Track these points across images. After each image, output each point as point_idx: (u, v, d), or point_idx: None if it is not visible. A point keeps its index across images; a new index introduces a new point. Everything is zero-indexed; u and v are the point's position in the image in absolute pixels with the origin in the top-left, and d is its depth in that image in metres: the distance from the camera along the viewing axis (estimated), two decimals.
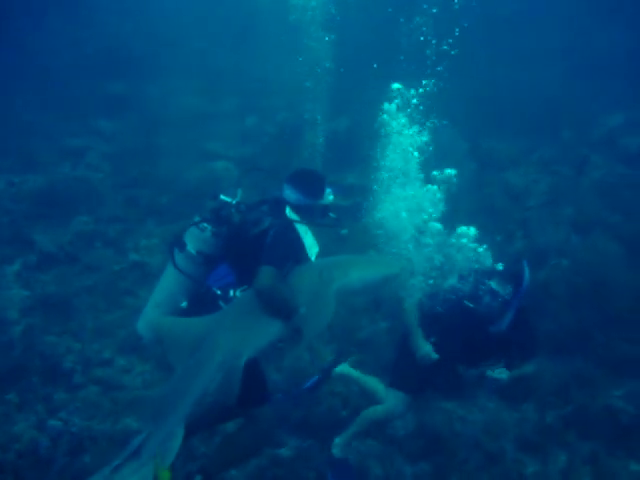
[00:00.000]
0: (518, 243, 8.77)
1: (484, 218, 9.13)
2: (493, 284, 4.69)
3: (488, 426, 6.54)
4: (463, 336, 4.86)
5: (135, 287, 7.96)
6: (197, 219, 4.34)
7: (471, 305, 4.70)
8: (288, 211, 4.38)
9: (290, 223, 4.26)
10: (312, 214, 4.53)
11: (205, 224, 4.29)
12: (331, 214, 4.71)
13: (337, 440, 5.28)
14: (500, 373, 4.76)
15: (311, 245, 4.33)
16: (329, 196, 4.63)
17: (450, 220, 9.02)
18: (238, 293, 4.14)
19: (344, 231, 7.69)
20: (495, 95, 11.51)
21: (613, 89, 11.83)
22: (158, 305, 4.24)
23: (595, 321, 7.27)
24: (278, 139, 10.38)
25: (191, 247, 4.24)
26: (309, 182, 4.55)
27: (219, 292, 4.17)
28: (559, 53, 12.94)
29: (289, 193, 4.49)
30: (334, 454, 5.25)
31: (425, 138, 5.83)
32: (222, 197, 4.41)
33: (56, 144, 10.50)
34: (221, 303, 4.14)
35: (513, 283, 4.76)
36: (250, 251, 4.09)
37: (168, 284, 4.29)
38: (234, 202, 4.38)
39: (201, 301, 4.20)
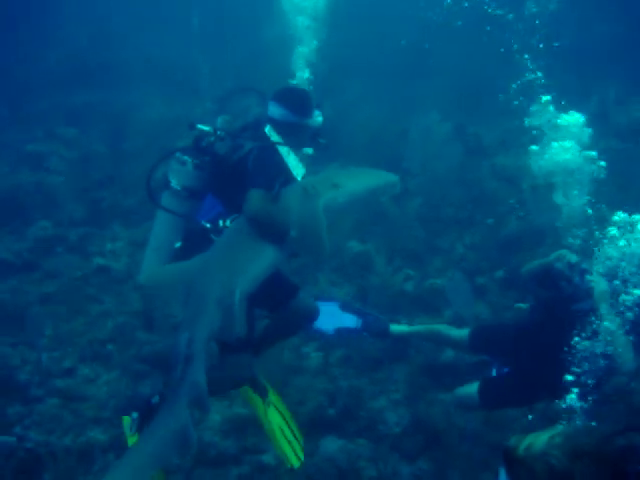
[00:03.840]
0: (512, 224, 8.23)
1: (473, 203, 8.67)
2: (585, 264, 4.33)
3: (490, 417, 5.95)
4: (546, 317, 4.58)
5: (100, 293, 7.35)
6: (177, 154, 4.06)
7: (562, 284, 4.37)
8: (267, 130, 4.02)
9: (270, 144, 3.93)
10: (298, 135, 4.09)
11: (185, 157, 4.01)
12: (321, 140, 4.24)
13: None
14: None
15: (295, 166, 3.94)
16: (318, 117, 4.17)
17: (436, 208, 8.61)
18: (228, 223, 3.86)
19: None
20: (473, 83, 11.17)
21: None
22: (155, 249, 4.07)
23: None
24: None
25: (175, 183, 4.00)
26: (296, 98, 4.13)
27: (208, 225, 3.89)
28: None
29: (273, 109, 4.07)
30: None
31: None
32: (199, 126, 4.03)
33: (14, 152, 9.90)
34: (212, 236, 3.85)
35: None
36: (233, 179, 3.88)
37: (160, 228, 4.09)
38: (212, 130, 4.02)
39: (194, 238, 3.94)
